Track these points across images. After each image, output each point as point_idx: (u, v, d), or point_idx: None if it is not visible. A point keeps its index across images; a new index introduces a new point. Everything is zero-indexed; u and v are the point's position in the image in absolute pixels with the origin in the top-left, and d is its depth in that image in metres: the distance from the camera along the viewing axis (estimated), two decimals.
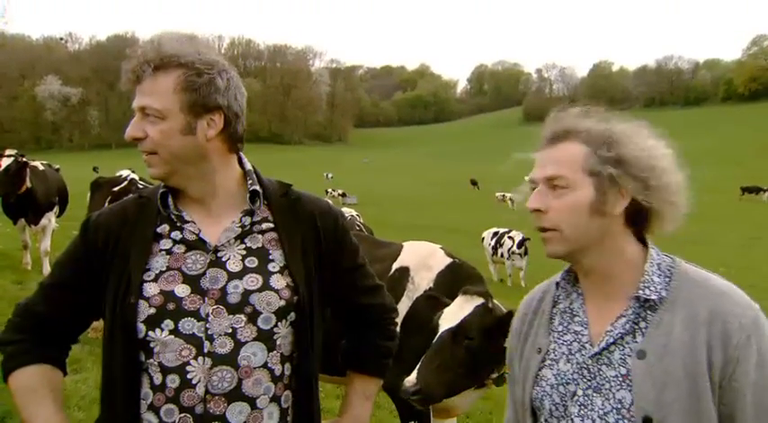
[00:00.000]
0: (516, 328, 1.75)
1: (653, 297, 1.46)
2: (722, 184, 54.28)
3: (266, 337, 1.67)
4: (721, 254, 21.85)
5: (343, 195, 40.64)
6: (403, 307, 3.68)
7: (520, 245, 15.44)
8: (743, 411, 1.37)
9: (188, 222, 1.70)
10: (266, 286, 1.68)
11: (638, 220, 1.53)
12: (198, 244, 1.69)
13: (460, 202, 43.17)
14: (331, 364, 2.04)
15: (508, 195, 41.00)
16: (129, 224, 1.71)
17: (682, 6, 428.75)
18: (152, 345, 1.61)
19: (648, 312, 1.47)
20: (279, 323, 1.69)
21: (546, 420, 1.58)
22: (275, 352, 1.69)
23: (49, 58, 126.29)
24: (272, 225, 1.76)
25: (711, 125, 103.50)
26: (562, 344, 1.59)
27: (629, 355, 1.45)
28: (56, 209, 9.55)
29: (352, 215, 10.00)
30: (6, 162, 8.49)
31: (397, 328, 2.08)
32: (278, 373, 1.70)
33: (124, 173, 8.23)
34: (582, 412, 1.49)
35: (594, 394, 1.48)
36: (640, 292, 1.48)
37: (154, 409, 1.61)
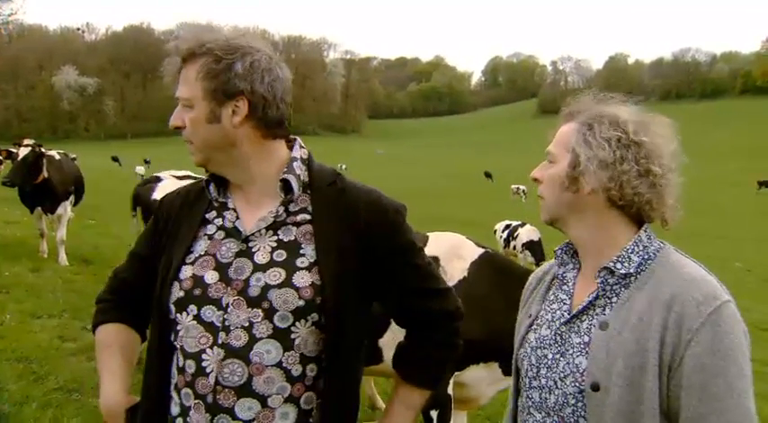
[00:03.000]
0: (523, 298, 1.87)
1: (621, 271, 1.53)
2: (739, 177, 53.73)
3: (282, 336, 1.59)
4: (738, 248, 21.66)
5: None
6: None
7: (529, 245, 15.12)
8: (688, 395, 1.40)
9: (229, 209, 1.72)
10: (287, 283, 1.60)
11: (615, 203, 1.56)
12: (233, 231, 1.68)
13: (475, 194, 43.07)
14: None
15: (522, 188, 40.83)
16: (186, 206, 1.80)
17: None
18: (179, 327, 1.65)
19: (622, 289, 1.54)
20: (297, 323, 1.60)
21: (523, 379, 1.69)
22: (293, 352, 1.61)
23: (66, 48, 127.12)
24: (308, 217, 1.68)
25: (728, 118, 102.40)
26: (549, 311, 1.69)
27: (594, 326, 1.54)
28: (71, 198, 9.62)
29: None
30: (24, 152, 8.58)
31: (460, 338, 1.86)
32: (296, 373, 1.62)
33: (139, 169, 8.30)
34: (548, 374, 1.60)
35: (560, 358, 1.58)
36: (610, 264, 1.54)
37: (177, 389, 1.65)
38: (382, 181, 47.15)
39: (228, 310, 1.59)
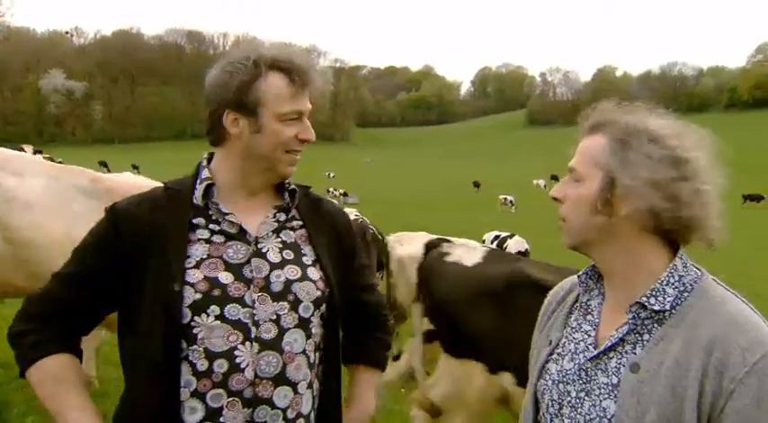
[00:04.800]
0: (541, 315, 1.74)
1: (656, 307, 1.40)
2: (724, 191, 54.14)
3: (305, 325, 1.76)
4: (724, 262, 21.79)
5: (345, 195, 40.67)
6: None
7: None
8: None
9: (228, 214, 1.74)
10: (305, 277, 1.77)
11: (660, 227, 1.43)
12: (238, 235, 1.74)
13: (463, 204, 43.11)
14: None
15: (510, 198, 40.96)
16: (160, 213, 1.73)
17: (686, 13, 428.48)
18: (196, 331, 1.63)
19: (655, 325, 1.41)
20: (315, 312, 1.79)
21: (543, 415, 1.57)
22: (311, 340, 1.78)
23: (54, 51, 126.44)
24: (301, 222, 1.86)
25: (714, 132, 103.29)
26: (572, 341, 1.56)
27: (624, 366, 1.41)
28: None
29: (362, 219, 9.91)
30: None
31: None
32: (312, 360, 1.79)
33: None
34: (571, 414, 1.47)
35: (585, 398, 1.45)
36: (644, 299, 1.41)
37: (198, 395, 1.63)
38: (371, 189, 47.28)
39: (255, 305, 1.68)
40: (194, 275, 1.66)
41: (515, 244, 15.33)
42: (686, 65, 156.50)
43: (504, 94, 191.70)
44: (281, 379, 1.69)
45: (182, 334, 1.63)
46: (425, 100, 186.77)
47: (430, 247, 4.97)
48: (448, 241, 5.04)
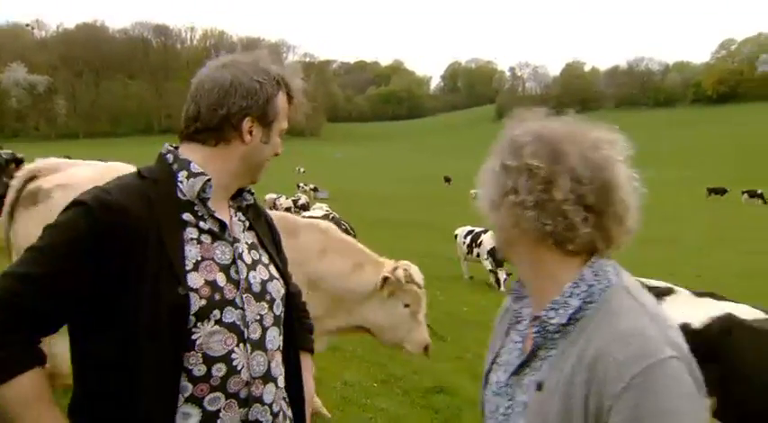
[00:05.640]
0: (494, 324, 1.70)
1: (553, 321, 1.36)
2: (690, 184, 55.26)
3: (278, 322, 1.84)
4: (688, 254, 22.22)
5: (315, 190, 40.47)
6: None
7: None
8: None
9: (215, 212, 1.74)
10: (272, 276, 1.85)
11: (559, 242, 1.36)
12: (220, 235, 1.74)
13: (433, 198, 43.29)
14: None
15: None
16: (151, 206, 1.63)
17: (653, 8, 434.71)
18: (195, 337, 1.60)
19: (561, 339, 1.35)
20: (283, 309, 1.88)
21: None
22: (281, 335, 1.86)
23: (14, 44, 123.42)
24: (249, 223, 1.91)
25: (680, 127, 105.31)
26: (507, 351, 1.53)
27: (533, 384, 1.37)
28: None
29: (333, 214, 9.83)
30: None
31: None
32: (283, 354, 1.87)
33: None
34: None
35: (510, 416, 1.42)
36: (543, 312, 1.37)
37: (194, 400, 1.61)
38: (341, 184, 47.23)
39: (245, 307, 1.71)
40: (195, 280, 1.62)
41: (489, 240, 15.11)
42: (653, 60, 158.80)
43: (473, 88, 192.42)
44: (267, 376, 1.75)
45: (182, 342, 1.59)
46: (395, 95, 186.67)
47: None
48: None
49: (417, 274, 4.22)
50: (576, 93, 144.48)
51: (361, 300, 4.18)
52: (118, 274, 1.55)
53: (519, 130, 1.42)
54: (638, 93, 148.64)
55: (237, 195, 1.89)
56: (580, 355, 1.28)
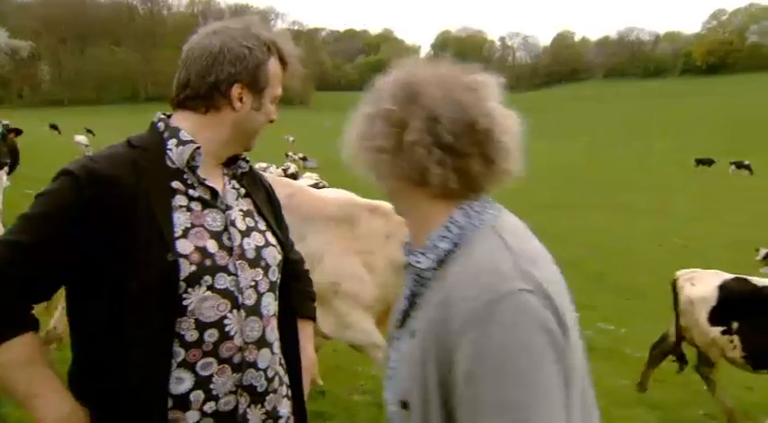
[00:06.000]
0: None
1: (421, 266, 1.32)
2: (678, 155, 55.44)
3: (274, 288, 1.85)
4: (676, 224, 22.41)
5: (304, 159, 40.29)
6: None
7: None
8: (461, 414, 1.18)
9: (205, 179, 1.74)
10: (268, 243, 1.85)
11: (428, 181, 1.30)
12: (212, 202, 1.75)
13: None
14: None
15: None
16: (142, 175, 1.65)
17: None
18: (186, 302, 1.62)
19: (432, 285, 1.31)
20: (279, 275, 1.88)
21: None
22: (277, 301, 1.87)
23: None
24: (245, 190, 1.90)
25: (670, 97, 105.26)
26: (400, 302, 1.50)
27: (407, 333, 1.35)
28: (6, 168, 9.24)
29: (323, 183, 9.81)
30: None
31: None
32: (280, 320, 1.88)
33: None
34: (389, 384, 1.43)
35: (397, 368, 1.38)
36: (412, 257, 1.34)
37: (186, 365, 1.63)
38: (330, 153, 46.84)
39: (238, 273, 1.72)
40: (185, 246, 1.63)
41: None
42: (643, 30, 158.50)
43: (463, 57, 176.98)
44: (262, 342, 1.77)
45: (173, 307, 1.61)
46: (385, 63, 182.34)
47: (724, 289, 5.51)
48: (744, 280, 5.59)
49: None
50: (566, 63, 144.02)
51: None
52: (107, 243, 1.58)
53: (385, 78, 1.41)
54: (628, 63, 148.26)
55: (232, 163, 1.88)
56: (441, 298, 1.24)
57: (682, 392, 6.39)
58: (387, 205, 4.14)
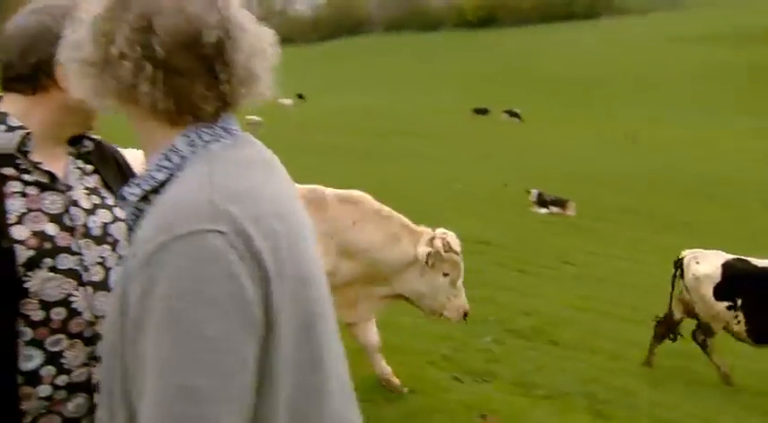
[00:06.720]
0: None
1: (130, 199, 1.19)
2: (455, 105, 58.17)
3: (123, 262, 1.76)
4: (457, 170, 23.05)
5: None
6: None
7: None
8: (131, 357, 1.07)
9: (39, 163, 1.71)
10: (116, 218, 1.82)
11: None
12: (51, 185, 1.73)
13: None
14: None
15: (257, 119, 39.52)
16: None
17: None
18: (27, 284, 1.63)
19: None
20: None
21: None
22: None
23: None
24: (91, 167, 1.86)
25: (445, 50, 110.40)
26: None
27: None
28: None
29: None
30: None
31: None
32: None
33: None
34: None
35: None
36: (124, 188, 1.21)
37: (35, 343, 1.64)
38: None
39: (82, 252, 1.72)
40: (20, 232, 1.63)
41: None
42: None
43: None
44: None
45: (14, 293, 1.61)
46: None
47: (727, 267, 6.13)
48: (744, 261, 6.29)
49: (455, 242, 4.27)
50: (347, 17, 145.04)
51: (400, 270, 4.22)
52: None
53: None
54: (407, 17, 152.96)
55: (78, 142, 1.85)
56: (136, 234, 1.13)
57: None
58: (358, 194, 4.34)
